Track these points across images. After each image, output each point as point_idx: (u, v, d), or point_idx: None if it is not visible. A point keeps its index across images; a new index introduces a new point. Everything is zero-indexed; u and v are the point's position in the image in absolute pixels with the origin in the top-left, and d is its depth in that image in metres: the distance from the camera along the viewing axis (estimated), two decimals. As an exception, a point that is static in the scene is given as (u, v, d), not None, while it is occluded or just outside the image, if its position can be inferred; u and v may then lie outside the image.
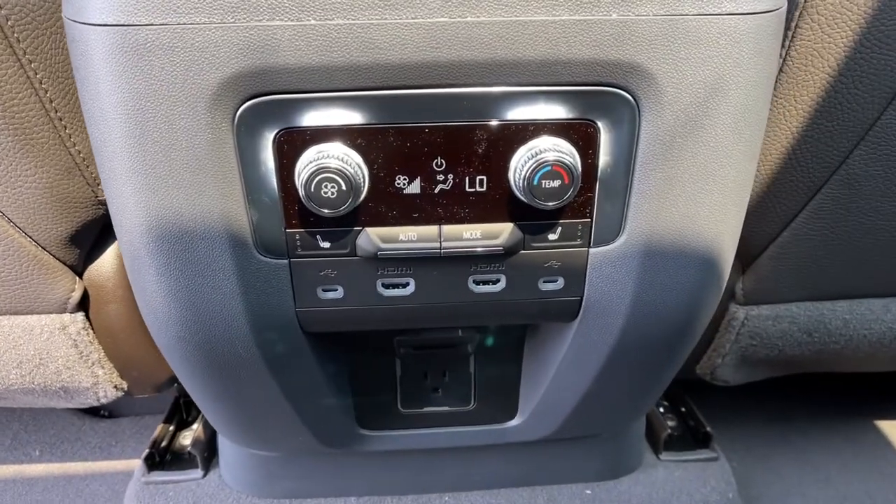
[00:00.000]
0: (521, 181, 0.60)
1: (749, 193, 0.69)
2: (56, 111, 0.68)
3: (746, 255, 0.91)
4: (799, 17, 0.69)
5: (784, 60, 0.72)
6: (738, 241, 0.72)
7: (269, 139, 0.59)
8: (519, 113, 0.59)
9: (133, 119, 0.56)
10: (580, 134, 0.60)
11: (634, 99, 0.59)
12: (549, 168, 0.59)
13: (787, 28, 0.69)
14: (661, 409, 1.28)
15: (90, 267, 0.85)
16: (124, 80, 0.55)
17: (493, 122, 0.59)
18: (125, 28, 0.53)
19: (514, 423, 0.94)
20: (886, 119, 0.76)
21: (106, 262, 0.85)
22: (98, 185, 0.76)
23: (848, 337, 1.01)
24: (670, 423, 1.24)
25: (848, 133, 0.77)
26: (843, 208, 0.84)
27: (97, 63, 0.55)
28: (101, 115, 0.58)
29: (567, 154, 0.59)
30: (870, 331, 1.00)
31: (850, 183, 0.82)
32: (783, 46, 0.71)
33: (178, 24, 0.53)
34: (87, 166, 0.74)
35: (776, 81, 0.72)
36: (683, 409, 1.28)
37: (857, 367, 1.16)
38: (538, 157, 0.59)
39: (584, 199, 0.64)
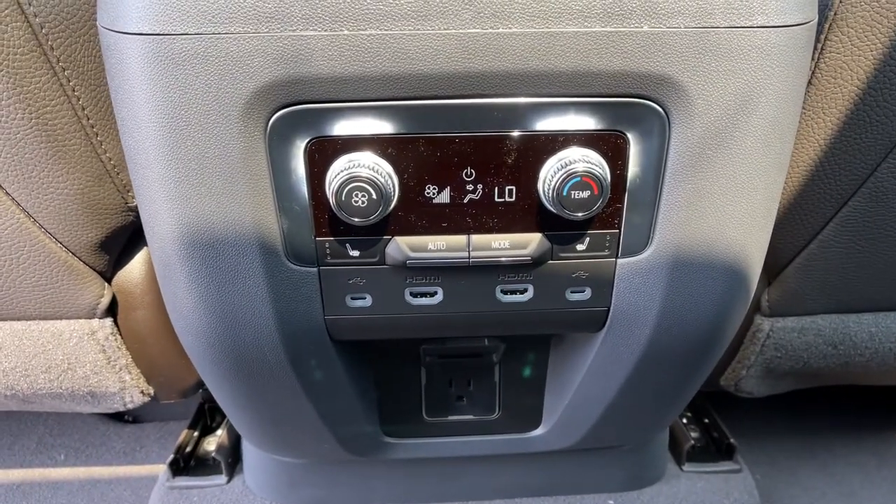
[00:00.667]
0: (550, 192, 0.60)
1: (777, 205, 0.69)
2: (88, 118, 0.69)
3: (773, 267, 0.91)
4: (829, 29, 0.69)
5: (813, 73, 0.72)
6: (765, 252, 0.71)
7: (300, 148, 0.59)
8: (549, 124, 0.59)
9: (167, 127, 0.57)
10: (610, 145, 0.60)
11: (665, 110, 0.59)
12: (578, 179, 0.59)
13: (816, 41, 0.69)
14: (685, 421, 1.27)
15: (119, 273, 0.86)
16: (159, 88, 0.56)
17: (524, 133, 0.60)
18: (160, 37, 0.54)
19: (538, 432, 0.94)
20: None
21: (134, 269, 0.86)
22: (128, 191, 0.77)
23: (874, 350, 1.00)
24: (693, 435, 1.23)
25: (876, 146, 0.76)
26: (871, 221, 0.84)
27: (132, 71, 0.56)
28: (134, 122, 0.59)
29: (597, 165, 0.59)
30: (888, 342, 0.99)
31: (878, 196, 0.81)
32: (812, 59, 0.70)
33: (212, 33, 0.54)
34: (118, 173, 0.75)
35: (805, 94, 0.72)
36: (707, 421, 1.27)
37: (882, 380, 1.15)
38: (568, 167, 0.59)
39: (613, 210, 0.64)
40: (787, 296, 0.93)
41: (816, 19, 0.60)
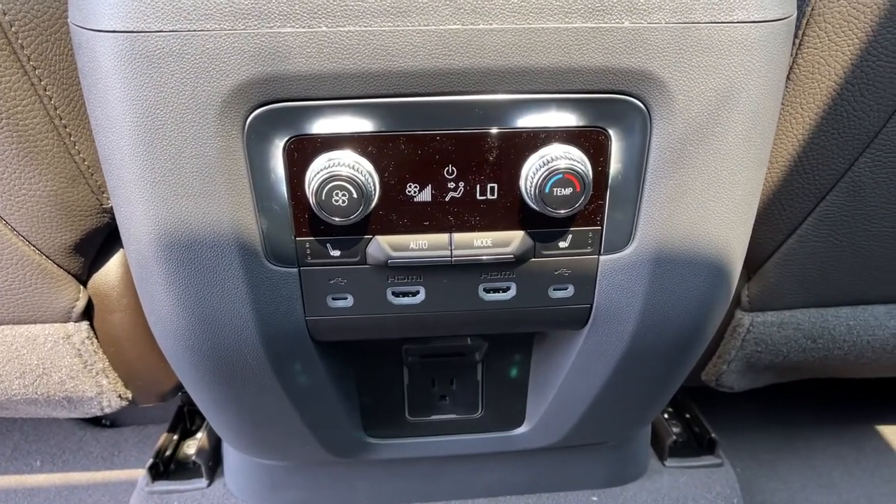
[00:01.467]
0: (532, 189, 0.60)
1: (758, 200, 0.69)
2: (60, 118, 0.68)
3: (752, 262, 0.91)
4: (806, 25, 0.70)
5: (791, 68, 0.72)
6: (746, 247, 0.72)
7: (279, 147, 0.59)
8: (530, 120, 0.59)
9: (142, 127, 0.56)
10: (591, 141, 0.60)
11: (646, 107, 0.59)
12: (560, 176, 0.59)
13: (794, 36, 0.70)
14: (666, 416, 1.28)
15: (95, 275, 0.85)
16: (133, 87, 0.55)
17: (505, 130, 0.59)
18: (134, 35, 0.52)
19: (521, 430, 0.93)
20: (892, 127, 0.76)
21: (111, 271, 0.85)
22: (103, 193, 0.75)
23: (852, 343, 1.01)
24: (675, 430, 1.24)
25: (854, 140, 0.77)
26: (849, 215, 0.84)
27: (105, 70, 0.55)
28: (108, 122, 0.57)
29: (578, 162, 0.59)
30: (873, 337, 1.00)
31: (856, 190, 0.82)
32: (791, 54, 0.71)
33: (188, 30, 0.53)
34: (92, 174, 0.73)
35: (783, 89, 0.72)
36: (688, 416, 1.28)
37: (860, 372, 1.16)
38: (550, 164, 0.59)
39: (595, 207, 0.64)
40: (767, 290, 0.94)
41: (795, 14, 0.60)
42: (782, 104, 0.74)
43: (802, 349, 1.01)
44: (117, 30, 0.53)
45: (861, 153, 0.79)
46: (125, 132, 0.57)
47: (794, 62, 0.72)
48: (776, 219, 0.85)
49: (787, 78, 0.73)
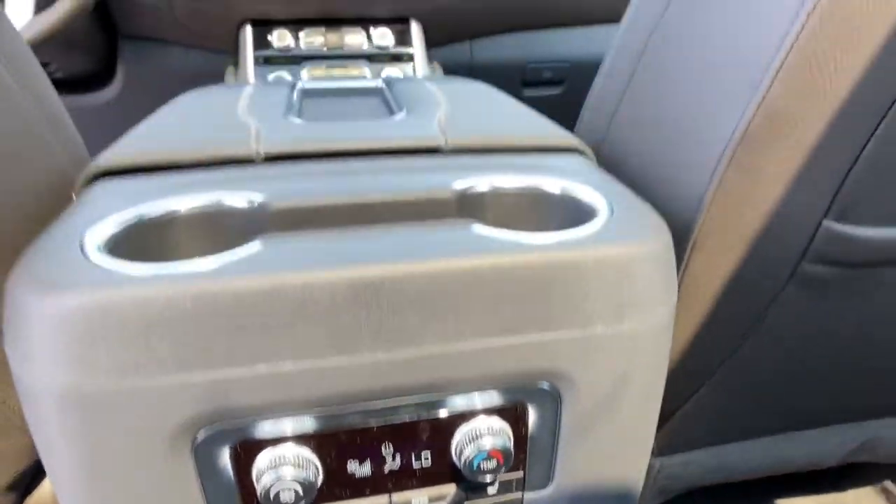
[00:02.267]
0: (461, 462, 0.66)
1: (654, 432, 0.78)
2: None
3: (660, 418, 1.01)
4: (690, 250, 0.79)
5: (680, 285, 0.81)
6: (647, 465, 0.80)
7: (225, 453, 0.62)
8: (457, 407, 0.65)
9: (87, 465, 0.58)
10: (512, 413, 0.67)
11: (557, 391, 0.66)
12: (485, 454, 0.65)
13: (679, 261, 0.79)
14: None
15: (28, 499, 0.85)
16: (76, 435, 0.56)
17: (435, 417, 0.65)
18: (76, 385, 0.54)
19: None
20: (771, 317, 0.86)
21: (46, 489, 0.86)
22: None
23: (746, 469, 1.13)
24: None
25: (737, 333, 0.87)
26: (741, 377, 0.95)
27: (46, 416, 0.56)
28: (53, 457, 0.59)
29: (500, 436, 0.66)
30: (762, 464, 1.13)
31: (742, 361, 0.93)
32: (678, 275, 0.80)
33: (131, 378, 0.55)
34: (23, 418, 0.74)
35: (677, 300, 0.81)
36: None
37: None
38: (476, 442, 0.65)
39: (518, 460, 0.71)
40: (673, 439, 1.04)
41: (673, 312, 0.68)
42: (679, 306, 0.82)
43: (706, 480, 1.12)
44: (57, 381, 0.54)
45: (747, 332, 0.89)
46: (69, 466, 0.59)
47: (682, 282, 0.82)
48: (678, 388, 0.94)
49: (679, 288, 0.81)
